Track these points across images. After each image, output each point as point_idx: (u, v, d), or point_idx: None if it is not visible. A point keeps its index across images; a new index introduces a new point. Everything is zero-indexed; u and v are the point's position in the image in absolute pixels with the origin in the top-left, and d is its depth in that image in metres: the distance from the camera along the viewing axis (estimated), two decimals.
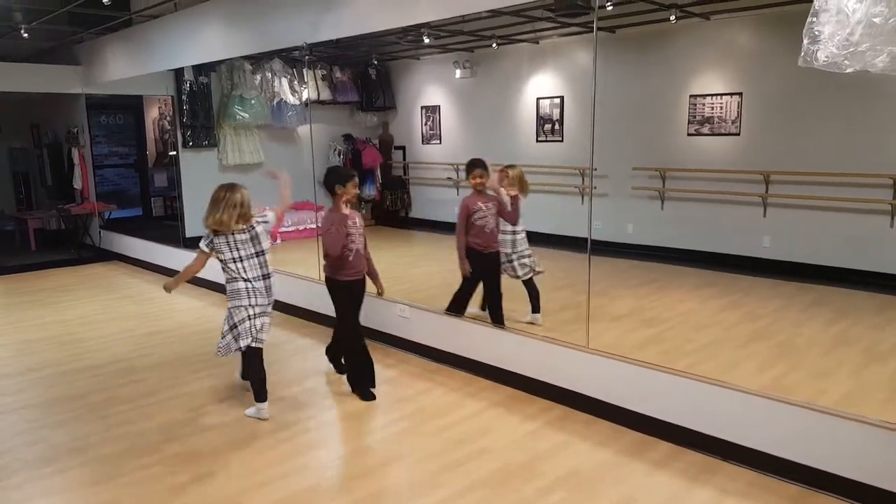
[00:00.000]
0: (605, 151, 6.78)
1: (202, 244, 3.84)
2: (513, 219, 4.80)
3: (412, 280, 6.80)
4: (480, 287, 5.04)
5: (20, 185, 10.95)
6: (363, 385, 4.16)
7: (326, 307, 5.62)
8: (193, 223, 7.72)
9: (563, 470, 3.22)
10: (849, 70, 2.62)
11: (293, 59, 8.79)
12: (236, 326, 3.82)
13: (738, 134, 6.89)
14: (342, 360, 4.43)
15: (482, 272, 4.72)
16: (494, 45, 8.25)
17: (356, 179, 4.14)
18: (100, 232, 9.52)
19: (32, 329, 5.86)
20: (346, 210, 4.04)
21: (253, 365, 3.88)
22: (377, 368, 4.32)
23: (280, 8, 5.76)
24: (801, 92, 6.33)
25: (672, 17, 6.35)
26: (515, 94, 8.72)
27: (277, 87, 8.95)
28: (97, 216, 9.56)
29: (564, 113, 8.27)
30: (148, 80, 8.29)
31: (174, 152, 9.07)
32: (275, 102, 9.23)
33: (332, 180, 4.08)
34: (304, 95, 9.07)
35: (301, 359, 4.95)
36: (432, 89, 9.81)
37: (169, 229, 8.77)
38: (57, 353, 5.14)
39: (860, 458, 2.86)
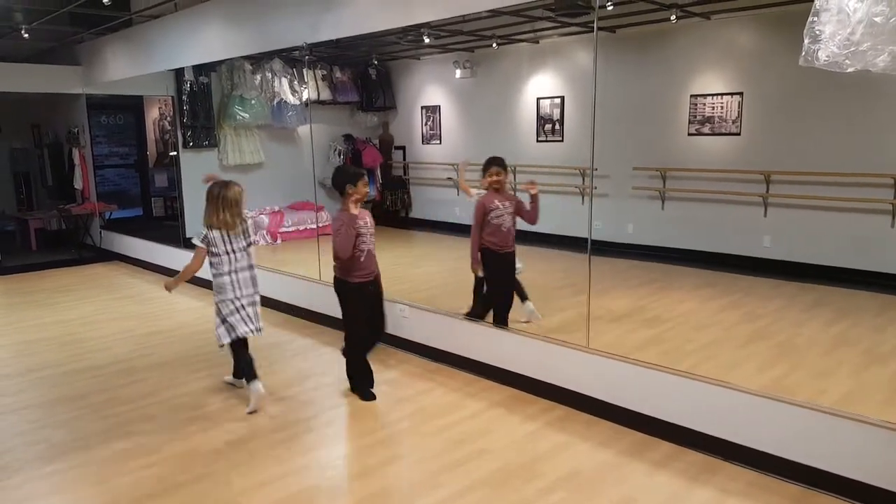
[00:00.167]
0: (605, 151, 6.78)
1: (197, 241, 3.97)
2: (532, 218, 4.65)
3: (412, 280, 6.80)
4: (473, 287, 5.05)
5: (21, 185, 10.95)
6: (363, 385, 4.15)
7: (327, 307, 5.63)
8: (194, 223, 7.71)
9: (563, 470, 3.22)
10: (850, 70, 2.62)
11: (293, 60, 8.79)
12: (227, 319, 4.01)
13: (739, 134, 6.89)
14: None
15: (497, 272, 4.62)
16: (495, 44, 8.25)
17: (366, 178, 4.01)
18: (100, 232, 9.52)
19: (33, 329, 5.86)
20: (355, 210, 3.93)
21: (242, 352, 4.08)
22: (378, 368, 4.32)
23: (280, 8, 5.76)
24: (801, 91, 6.33)
25: (672, 17, 6.35)
26: (516, 94, 8.72)
27: (277, 88, 8.94)
28: (98, 216, 9.57)
29: (565, 113, 8.27)
30: (148, 80, 8.29)
31: (174, 152, 9.07)
32: (275, 102, 9.23)
33: (343, 180, 3.96)
34: (305, 95, 9.07)
35: (301, 359, 4.95)
36: (432, 89, 9.81)
37: (169, 229, 8.77)
38: (57, 354, 5.14)
39: (860, 458, 2.86)
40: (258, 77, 8.94)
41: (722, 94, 6.96)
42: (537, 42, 8.26)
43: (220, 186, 3.99)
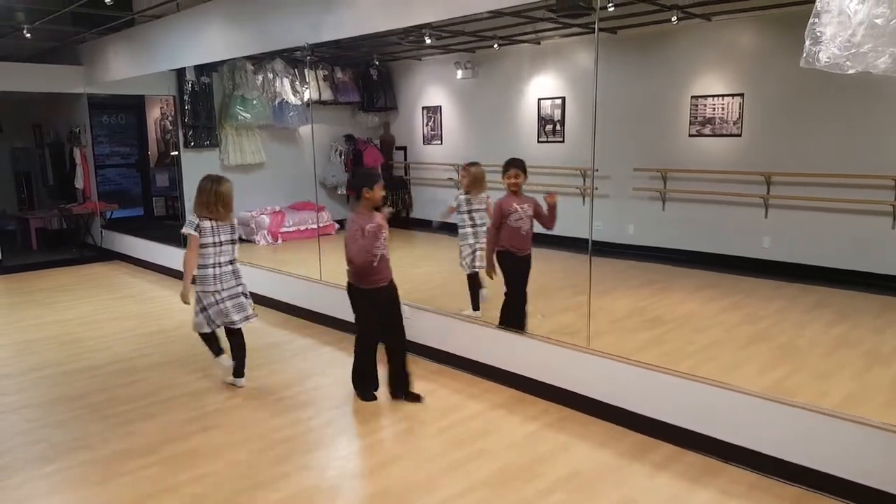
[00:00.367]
0: (606, 152, 6.77)
1: (189, 229, 4.08)
2: (550, 224, 4.58)
3: (413, 280, 6.79)
4: (467, 285, 5.18)
5: (22, 184, 10.97)
6: (365, 386, 4.15)
7: (328, 307, 5.64)
8: None
9: (563, 471, 3.22)
10: (850, 71, 2.62)
11: (295, 60, 8.79)
12: (206, 309, 4.21)
13: (740, 135, 6.89)
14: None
15: (517, 275, 4.53)
16: (496, 45, 8.25)
17: (383, 181, 3.97)
18: (101, 232, 9.53)
19: (33, 329, 5.87)
20: (371, 213, 3.87)
21: (237, 340, 4.31)
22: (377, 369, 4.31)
23: (282, 8, 5.76)
24: (802, 93, 6.32)
25: (673, 18, 6.34)
26: (517, 95, 8.72)
27: (279, 88, 8.94)
28: (99, 216, 9.57)
29: (566, 113, 8.27)
30: (150, 79, 8.29)
31: (176, 152, 9.07)
32: (276, 103, 9.23)
33: (360, 183, 3.94)
34: (306, 96, 9.08)
35: (301, 359, 4.95)
36: (434, 90, 9.81)
37: (170, 229, 8.76)
38: (58, 353, 5.15)
39: (862, 461, 2.85)
40: (260, 77, 8.95)
41: (723, 96, 6.96)
42: (538, 43, 8.26)
43: (213, 181, 4.12)
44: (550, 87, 8.39)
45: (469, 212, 5.21)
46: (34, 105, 10.28)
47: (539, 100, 8.49)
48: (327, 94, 9.66)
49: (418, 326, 4.84)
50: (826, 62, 2.64)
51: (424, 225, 10.02)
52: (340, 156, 10.16)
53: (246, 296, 4.31)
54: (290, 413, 3.95)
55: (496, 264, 4.56)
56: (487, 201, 5.27)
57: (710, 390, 3.34)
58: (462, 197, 5.21)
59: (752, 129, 6.81)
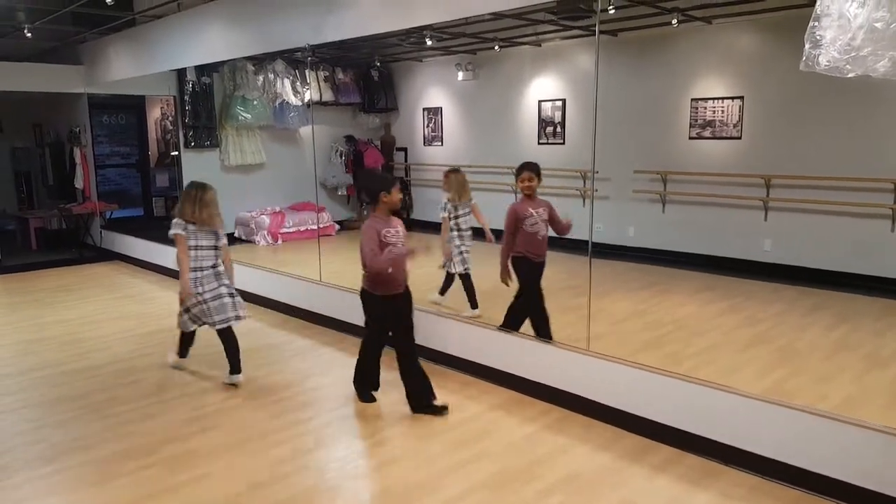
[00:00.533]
0: (606, 154, 6.77)
1: (177, 230, 4.16)
2: (564, 231, 4.48)
3: (412, 281, 6.76)
4: (443, 274, 5.41)
5: (22, 184, 10.96)
6: (366, 386, 4.15)
7: (327, 308, 5.64)
8: None
9: (562, 473, 3.22)
10: (850, 75, 2.63)
11: (296, 61, 8.80)
12: (189, 310, 4.32)
13: (740, 138, 6.90)
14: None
15: (533, 281, 4.42)
16: (497, 47, 8.26)
17: (399, 185, 3.84)
18: (101, 232, 9.53)
19: (33, 329, 5.87)
20: (388, 218, 3.78)
21: (227, 339, 4.35)
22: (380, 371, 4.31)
23: (283, 9, 5.77)
24: (802, 96, 6.34)
25: (674, 21, 6.36)
26: (517, 97, 8.73)
27: (280, 88, 8.96)
28: (98, 216, 9.57)
29: (566, 115, 8.28)
30: (150, 80, 8.30)
31: (176, 152, 9.08)
32: (277, 103, 9.25)
33: (377, 186, 3.76)
34: (307, 96, 9.09)
35: (301, 360, 4.95)
36: (434, 91, 9.82)
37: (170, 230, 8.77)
38: (58, 353, 5.15)
39: (862, 463, 2.85)
40: (260, 78, 8.96)
41: (723, 98, 6.97)
42: (539, 45, 8.27)
43: (198, 188, 4.21)
44: (551, 88, 8.40)
45: (455, 217, 5.30)
46: (34, 105, 10.28)
47: (539, 101, 8.50)
48: (328, 95, 9.67)
49: (418, 327, 4.83)
50: (826, 66, 2.65)
51: (425, 226, 10.03)
52: (341, 157, 10.18)
53: (232, 295, 4.33)
54: (289, 414, 3.95)
55: (511, 270, 4.44)
56: (472, 205, 5.35)
57: (709, 392, 3.34)
58: (448, 205, 5.30)
59: (752, 132, 6.82)
